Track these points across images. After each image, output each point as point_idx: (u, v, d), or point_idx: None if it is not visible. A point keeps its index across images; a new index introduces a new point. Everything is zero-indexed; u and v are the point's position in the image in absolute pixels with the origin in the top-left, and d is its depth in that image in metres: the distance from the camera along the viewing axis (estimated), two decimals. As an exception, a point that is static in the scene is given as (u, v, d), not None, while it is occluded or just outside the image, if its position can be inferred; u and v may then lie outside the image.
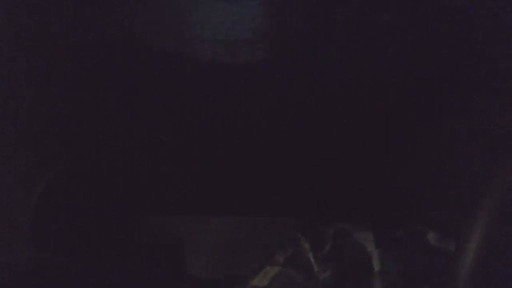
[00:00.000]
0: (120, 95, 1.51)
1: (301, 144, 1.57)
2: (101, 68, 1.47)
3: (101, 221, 1.49)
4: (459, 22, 1.39)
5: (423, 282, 1.32)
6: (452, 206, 1.42)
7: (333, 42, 1.43)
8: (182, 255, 1.55)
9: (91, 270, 1.43)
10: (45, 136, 1.52)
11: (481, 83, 1.43)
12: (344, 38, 1.43)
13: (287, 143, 1.57)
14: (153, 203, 1.60)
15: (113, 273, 1.44)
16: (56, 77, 1.48)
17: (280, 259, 1.37)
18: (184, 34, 1.49)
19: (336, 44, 1.44)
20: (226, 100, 1.52)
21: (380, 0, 1.41)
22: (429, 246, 1.37)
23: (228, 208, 1.62)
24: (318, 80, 1.49)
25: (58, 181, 1.50)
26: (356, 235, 1.37)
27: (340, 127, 1.55)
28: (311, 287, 1.33)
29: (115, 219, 1.51)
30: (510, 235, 1.04)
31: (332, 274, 1.32)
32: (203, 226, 1.63)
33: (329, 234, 1.38)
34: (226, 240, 1.63)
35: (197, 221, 1.64)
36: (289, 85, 1.50)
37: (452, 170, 1.47)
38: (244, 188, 1.61)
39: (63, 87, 1.49)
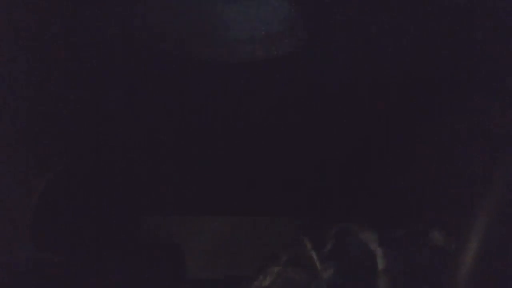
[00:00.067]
0: (120, 95, 1.51)
1: (302, 144, 1.57)
2: (101, 68, 1.47)
3: (101, 221, 1.49)
4: (459, 22, 1.39)
5: (425, 280, 1.32)
6: (452, 206, 1.43)
7: (333, 42, 1.43)
8: (182, 255, 1.55)
9: (91, 270, 1.43)
10: (45, 136, 1.52)
11: (481, 83, 1.43)
12: (343, 38, 1.43)
13: (288, 143, 1.57)
14: (153, 203, 1.60)
15: (113, 273, 1.44)
16: (56, 77, 1.48)
17: (282, 258, 1.37)
18: (184, 34, 1.49)
19: (335, 44, 1.44)
20: (226, 100, 1.52)
21: (380, 0, 1.41)
22: (432, 245, 1.37)
23: (228, 208, 1.62)
24: (319, 80, 1.49)
25: (58, 181, 1.50)
26: (359, 234, 1.37)
27: (342, 127, 1.55)
28: (314, 285, 1.33)
29: (115, 219, 1.51)
30: (510, 235, 1.04)
31: (335, 273, 1.33)
32: (203, 226, 1.64)
33: (331, 233, 1.39)
34: (226, 240, 1.63)
35: (197, 221, 1.64)
36: (290, 85, 1.51)
37: (452, 170, 1.47)
38: (245, 188, 1.61)
39: (63, 87, 1.49)
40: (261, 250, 1.53)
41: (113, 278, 1.43)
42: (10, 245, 1.48)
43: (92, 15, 1.40)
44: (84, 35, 1.43)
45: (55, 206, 1.48)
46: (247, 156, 1.58)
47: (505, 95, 1.41)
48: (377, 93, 1.50)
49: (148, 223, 1.58)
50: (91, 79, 1.49)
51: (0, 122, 1.50)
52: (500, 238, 1.04)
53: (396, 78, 1.48)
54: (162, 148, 1.58)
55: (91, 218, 1.48)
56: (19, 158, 1.52)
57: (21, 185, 1.51)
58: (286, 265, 1.36)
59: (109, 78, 1.49)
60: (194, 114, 1.54)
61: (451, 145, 1.49)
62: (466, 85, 1.45)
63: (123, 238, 1.52)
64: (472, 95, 1.44)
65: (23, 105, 1.50)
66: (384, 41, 1.42)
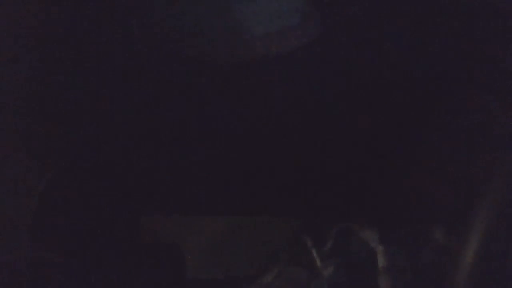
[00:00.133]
0: (120, 95, 1.51)
1: (302, 143, 1.57)
2: (101, 68, 1.47)
3: (101, 221, 1.49)
4: (459, 22, 1.39)
5: (426, 279, 1.32)
6: (453, 205, 1.42)
7: (332, 42, 1.43)
8: (182, 255, 1.54)
9: (91, 270, 1.43)
10: (45, 136, 1.52)
11: (481, 83, 1.43)
12: (343, 38, 1.43)
13: (288, 143, 1.57)
14: (153, 203, 1.60)
15: (113, 273, 1.44)
16: (56, 77, 1.48)
17: (282, 257, 1.37)
18: (184, 33, 1.49)
19: (335, 44, 1.44)
20: (226, 100, 1.52)
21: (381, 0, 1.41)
22: (433, 244, 1.37)
23: (228, 208, 1.62)
24: (320, 80, 1.49)
25: (58, 181, 1.50)
26: (360, 233, 1.37)
27: (341, 126, 1.55)
28: (315, 283, 1.33)
29: (115, 219, 1.51)
30: (510, 235, 1.04)
31: (335, 270, 1.33)
32: (203, 226, 1.63)
33: (331, 232, 1.39)
34: (226, 240, 1.63)
35: (197, 221, 1.64)
36: (291, 85, 1.50)
37: (452, 170, 1.47)
38: (245, 188, 1.61)
39: (63, 87, 1.49)
40: (261, 250, 1.53)
41: (113, 278, 1.43)
42: (10, 245, 1.48)
43: (92, 15, 1.40)
44: (84, 35, 1.43)
45: (55, 206, 1.48)
46: (248, 156, 1.57)
47: (505, 95, 1.41)
48: (377, 92, 1.49)
49: (148, 223, 1.58)
50: (91, 79, 1.49)
51: (0, 122, 1.50)
52: (500, 238, 1.03)
53: (396, 77, 1.48)
54: (162, 148, 1.57)
55: (91, 218, 1.48)
56: (19, 158, 1.52)
57: (21, 185, 1.51)
58: (286, 264, 1.37)
59: (109, 78, 1.49)
60: (194, 114, 1.54)
61: (451, 145, 1.49)
62: (466, 85, 1.44)
63: (123, 238, 1.52)
64: (472, 95, 1.44)
65: (23, 105, 1.50)
66: (383, 41, 1.42)
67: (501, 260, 1.03)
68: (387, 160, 1.54)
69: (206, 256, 1.62)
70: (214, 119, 1.55)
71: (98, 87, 1.50)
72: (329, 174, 1.58)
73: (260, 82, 1.50)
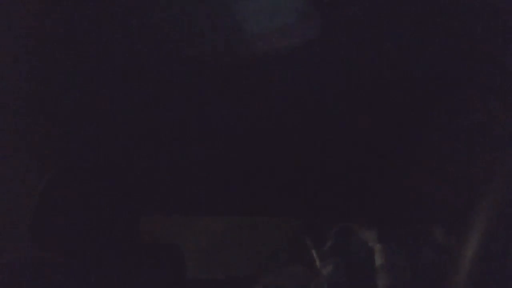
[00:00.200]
0: (120, 95, 1.51)
1: (302, 143, 1.57)
2: (101, 68, 1.47)
3: (101, 221, 1.49)
4: (459, 22, 1.39)
5: (425, 278, 1.32)
6: (453, 205, 1.43)
7: (332, 41, 1.43)
8: (182, 255, 1.54)
9: (91, 270, 1.43)
10: (45, 136, 1.52)
11: (481, 83, 1.43)
12: (343, 38, 1.43)
13: (288, 143, 1.57)
14: (153, 203, 1.60)
15: (113, 273, 1.44)
16: (56, 77, 1.48)
17: (283, 256, 1.38)
18: (184, 33, 1.49)
19: (334, 44, 1.44)
20: (226, 99, 1.52)
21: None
22: (432, 242, 1.37)
23: (228, 208, 1.62)
24: (320, 80, 1.49)
25: (58, 181, 1.50)
26: (359, 233, 1.37)
27: (341, 126, 1.55)
28: (315, 283, 1.33)
29: (115, 219, 1.51)
30: (510, 235, 1.04)
31: (335, 269, 1.33)
32: (203, 226, 1.64)
33: (331, 232, 1.39)
34: (226, 240, 1.63)
35: (197, 221, 1.64)
36: (291, 85, 1.50)
37: (453, 170, 1.47)
38: (245, 188, 1.61)
39: (63, 87, 1.49)
40: (261, 250, 1.53)
41: (113, 278, 1.43)
42: (10, 245, 1.48)
43: (92, 15, 1.40)
44: (84, 35, 1.43)
45: (55, 206, 1.48)
46: (249, 156, 1.58)
47: (505, 95, 1.41)
48: (377, 92, 1.50)
49: (148, 223, 1.58)
50: (91, 79, 1.49)
51: (0, 122, 1.50)
52: (500, 238, 1.03)
53: (396, 77, 1.48)
54: (162, 148, 1.58)
55: (91, 218, 1.48)
56: (19, 158, 1.52)
57: (21, 185, 1.51)
58: (286, 263, 1.37)
59: (109, 78, 1.49)
60: (194, 114, 1.54)
61: (451, 145, 1.49)
62: (466, 85, 1.45)
63: (123, 238, 1.52)
64: (472, 95, 1.44)
65: (23, 105, 1.50)
66: (383, 41, 1.42)
67: (501, 260, 1.03)
68: (387, 160, 1.54)
69: (206, 256, 1.62)
70: (214, 119, 1.55)
71: (98, 87, 1.50)
72: (328, 174, 1.58)
73: (260, 82, 1.50)
